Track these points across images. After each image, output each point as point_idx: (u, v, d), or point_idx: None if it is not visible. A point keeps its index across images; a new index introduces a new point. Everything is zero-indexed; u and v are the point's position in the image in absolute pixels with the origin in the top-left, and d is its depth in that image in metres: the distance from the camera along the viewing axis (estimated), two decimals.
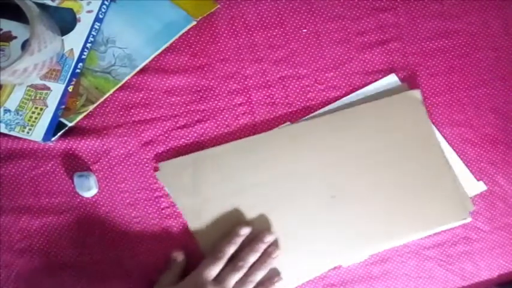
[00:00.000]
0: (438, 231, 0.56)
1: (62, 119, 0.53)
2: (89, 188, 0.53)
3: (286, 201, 0.55)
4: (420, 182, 0.55)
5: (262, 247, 0.53)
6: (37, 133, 0.52)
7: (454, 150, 0.57)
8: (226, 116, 0.56)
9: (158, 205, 0.55)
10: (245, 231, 0.53)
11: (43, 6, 0.52)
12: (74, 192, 0.55)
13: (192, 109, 0.56)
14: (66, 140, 0.54)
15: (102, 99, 0.53)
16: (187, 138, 0.56)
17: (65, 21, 0.52)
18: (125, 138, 0.55)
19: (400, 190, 0.55)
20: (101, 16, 0.53)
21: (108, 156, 0.55)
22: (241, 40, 0.56)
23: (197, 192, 0.55)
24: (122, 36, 0.54)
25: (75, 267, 0.55)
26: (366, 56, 0.57)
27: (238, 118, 0.56)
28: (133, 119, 0.55)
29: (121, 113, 0.55)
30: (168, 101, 0.56)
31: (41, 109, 0.52)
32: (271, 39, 0.56)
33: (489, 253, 0.57)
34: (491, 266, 0.57)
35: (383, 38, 0.57)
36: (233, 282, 0.51)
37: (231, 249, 0.52)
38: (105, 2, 0.53)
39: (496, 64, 0.57)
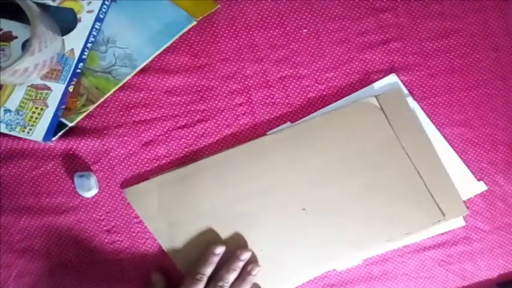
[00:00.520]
0: (422, 236, 0.56)
1: (63, 119, 0.53)
2: (89, 188, 0.53)
3: (259, 217, 0.55)
4: (390, 188, 0.55)
5: (239, 265, 0.53)
6: (37, 133, 0.52)
7: (454, 150, 0.57)
8: (227, 116, 0.56)
9: None
10: (220, 250, 0.53)
11: (44, 6, 0.52)
12: (74, 193, 0.55)
13: (192, 109, 0.56)
14: (67, 140, 0.54)
15: (102, 99, 0.53)
16: (188, 138, 0.56)
17: (65, 21, 0.52)
18: (125, 138, 0.55)
19: (371, 198, 0.55)
20: (101, 16, 0.53)
21: (109, 156, 0.55)
22: (241, 40, 0.56)
23: (165, 215, 0.54)
24: (122, 36, 0.54)
25: (75, 268, 0.55)
26: (366, 56, 0.57)
27: (239, 118, 0.56)
28: (133, 119, 0.55)
29: (121, 113, 0.55)
30: (168, 101, 0.56)
31: (42, 109, 0.52)
32: (271, 39, 0.56)
33: (489, 253, 0.57)
34: (491, 266, 0.57)
35: (383, 38, 0.57)
36: None
37: (208, 270, 0.52)
38: (106, 2, 0.53)
39: (496, 64, 0.57)
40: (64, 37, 0.52)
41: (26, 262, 0.54)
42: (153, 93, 0.55)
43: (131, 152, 0.55)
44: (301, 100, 0.56)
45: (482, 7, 0.57)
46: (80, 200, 0.55)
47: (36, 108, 0.52)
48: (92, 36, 0.53)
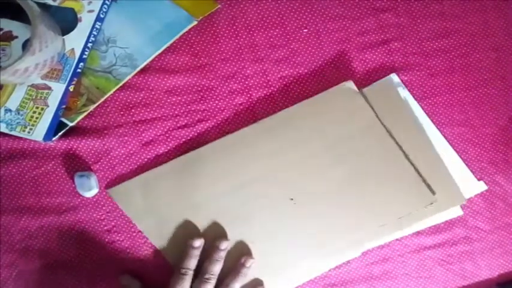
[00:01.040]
0: (420, 226, 0.56)
1: (63, 119, 0.53)
2: (89, 188, 0.53)
3: (247, 209, 0.54)
4: (378, 173, 0.55)
5: (221, 255, 0.53)
6: (38, 133, 0.52)
7: (454, 149, 0.57)
8: (227, 115, 0.56)
9: None
10: (198, 242, 0.52)
11: (44, 6, 0.52)
12: (75, 192, 0.54)
13: (192, 109, 0.56)
14: (67, 140, 0.54)
15: (103, 99, 0.53)
16: (188, 138, 0.56)
17: (66, 21, 0.52)
18: (126, 138, 0.55)
19: (358, 184, 0.55)
20: (102, 16, 0.53)
21: (109, 156, 0.55)
22: (241, 40, 0.56)
23: (152, 212, 0.54)
24: (122, 35, 0.54)
25: (75, 268, 0.55)
26: (366, 56, 0.57)
27: (239, 118, 0.56)
28: (134, 118, 0.55)
29: (122, 112, 0.55)
30: (168, 100, 0.56)
31: (42, 109, 0.52)
32: (271, 39, 0.56)
33: (489, 253, 0.57)
34: (491, 266, 0.57)
35: (383, 38, 0.57)
36: None
37: (191, 263, 0.52)
38: (106, 2, 0.53)
39: (496, 64, 0.58)
40: (64, 37, 0.52)
41: (26, 262, 0.54)
42: (153, 93, 0.55)
43: (131, 151, 0.55)
44: (301, 100, 0.56)
45: (482, 7, 0.57)
46: (80, 199, 0.55)
47: (37, 108, 0.52)
48: (92, 36, 0.53)
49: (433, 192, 0.54)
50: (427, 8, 0.57)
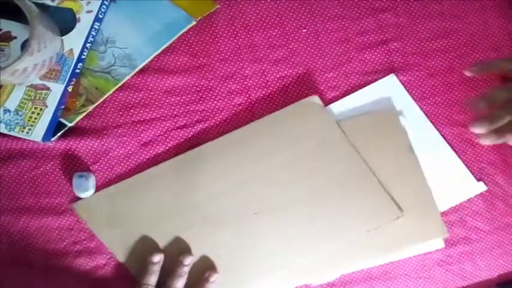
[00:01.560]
0: (401, 255, 0.55)
1: (62, 119, 0.53)
2: (86, 189, 0.53)
3: (212, 222, 0.54)
4: (342, 188, 0.54)
5: (185, 270, 0.52)
6: (37, 133, 0.52)
7: (454, 150, 0.57)
8: (226, 116, 0.56)
9: None
10: (157, 258, 0.52)
11: (43, 6, 0.52)
12: (75, 192, 0.54)
13: (191, 109, 0.56)
14: (66, 140, 0.54)
15: (102, 99, 0.53)
16: (187, 139, 0.56)
17: (64, 21, 0.52)
18: (125, 138, 0.55)
19: (323, 198, 0.54)
20: (100, 16, 0.53)
21: (108, 157, 0.55)
22: (240, 40, 0.56)
23: (115, 226, 0.54)
24: (121, 36, 0.54)
25: (76, 268, 0.55)
26: (365, 56, 0.57)
27: (238, 118, 0.56)
28: (132, 119, 0.55)
29: (120, 113, 0.55)
30: (167, 101, 0.56)
31: (41, 109, 0.52)
32: (270, 39, 0.56)
33: (489, 253, 0.57)
34: (491, 266, 0.57)
35: (383, 38, 0.57)
36: None
37: (151, 279, 0.51)
38: (105, 2, 0.53)
39: None
40: (63, 37, 0.52)
41: (26, 262, 0.54)
42: (152, 93, 0.55)
43: (130, 152, 0.55)
44: (300, 100, 0.56)
45: (482, 7, 0.57)
46: (80, 200, 0.55)
47: (36, 108, 0.52)
48: (91, 36, 0.53)
49: (400, 209, 0.54)
50: (426, 8, 0.57)
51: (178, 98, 0.56)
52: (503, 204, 0.57)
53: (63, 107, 0.53)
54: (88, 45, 0.53)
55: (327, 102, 0.56)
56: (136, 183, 0.54)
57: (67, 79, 0.52)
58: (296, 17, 0.56)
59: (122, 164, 0.55)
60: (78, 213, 0.54)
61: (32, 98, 0.52)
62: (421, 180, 0.55)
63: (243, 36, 0.56)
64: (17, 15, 0.48)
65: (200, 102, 0.56)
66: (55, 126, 0.53)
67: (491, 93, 0.50)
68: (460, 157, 0.57)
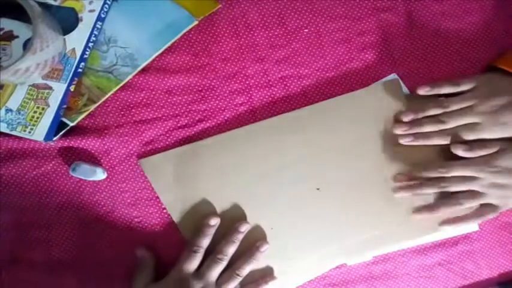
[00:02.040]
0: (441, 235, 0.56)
1: (64, 119, 0.53)
2: (93, 172, 0.53)
3: (271, 195, 0.55)
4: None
5: (239, 237, 0.53)
6: (39, 133, 0.52)
7: None
8: (228, 115, 0.56)
9: (159, 205, 0.55)
10: (214, 221, 0.53)
11: (45, 6, 0.52)
12: (75, 192, 0.54)
13: (193, 109, 0.56)
14: (68, 140, 0.54)
15: (103, 99, 0.53)
16: (189, 138, 0.56)
17: (67, 21, 0.52)
18: (126, 138, 0.55)
19: (385, 182, 0.55)
20: (102, 15, 0.53)
21: (109, 156, 0.55)
22: (242, 40, 0.56)
23: (179, 188, 0.54)
24: (123, 35, 0.54)
25: (76, 268, 0.55)
26: (367, 56, 0.57)
27: (240, 118, 0.56)
28: (134, 118, 0.55)
29: (122, 112, 0.55)
30: (169, 100, 0.56)
31: (43, 109, 0.52)
32: (272, 39, 0.56)
33: (490, 252, 0.57)
34: (492, 265, 0.58)
35: (384, 38, 0.57)
36: (215, 275, 0.51)
37: (204, 242, 0.52)
38: (107, 2, 0.53)
39: None
40: (65, 36, 0.52)
41: (26, 262, 0.54)
42: (154, 93, 0.55)
43: (132, 151, 0.55)
44: (301, 100, 0.56)
45: (482, 7, 0.58)
46: (80, 200, 0.55)
47: (38, 107, 0.52)
48: (93, 35, 0.53)
49: None
50: (427, 8, 0.57)
51: (180, 98, 0.56)
52: None
53: (65, 106, 0.53)
54: (90, 44, 0.53)
55: None
56: (207, 146, 0.55)
57: (69, 78, 0.52)
58: (298, 17, 0.56)
59: (124, 164, 0.55)
60: (143, 169, 0.55)
61: (34, 97, 0.52)
62: None
63: (244, 36, 0.56)
64: (19, 14, 0.48)
65: (202, 102, 0.56)
66: (57, 126, 0.52)
67: (423, 107, 0.54)
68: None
